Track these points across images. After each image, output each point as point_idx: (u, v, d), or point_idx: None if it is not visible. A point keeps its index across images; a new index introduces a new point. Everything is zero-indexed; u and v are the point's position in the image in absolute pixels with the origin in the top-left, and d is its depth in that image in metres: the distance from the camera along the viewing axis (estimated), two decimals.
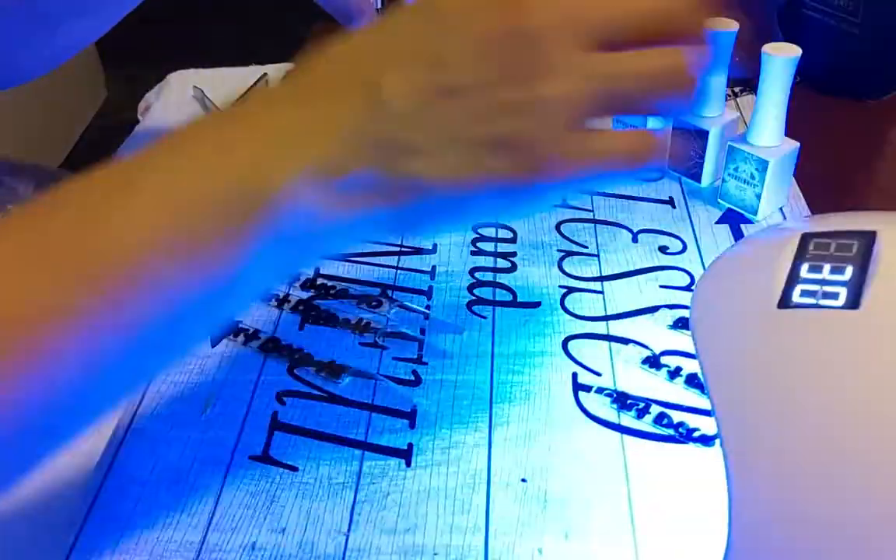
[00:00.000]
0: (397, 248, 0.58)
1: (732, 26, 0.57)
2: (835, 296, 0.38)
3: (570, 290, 0.54)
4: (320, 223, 0.32)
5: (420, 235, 0.42)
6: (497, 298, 0.53)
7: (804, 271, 0.40)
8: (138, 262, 0.30)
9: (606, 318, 0.51)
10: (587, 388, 0.47)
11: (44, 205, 0.32)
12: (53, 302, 0.29)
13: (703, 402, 0.45)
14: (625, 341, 0.49)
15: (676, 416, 0.44)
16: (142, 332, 0.31)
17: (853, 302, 0.37)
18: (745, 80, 0.77)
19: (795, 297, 0.39)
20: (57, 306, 0.29)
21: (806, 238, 0.42)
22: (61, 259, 0.30)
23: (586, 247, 0.57)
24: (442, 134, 0.31)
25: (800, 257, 0.41)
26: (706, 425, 0.44)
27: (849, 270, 0.38)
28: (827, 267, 0.39)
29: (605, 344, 0.49)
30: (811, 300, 0.38)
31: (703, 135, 0.61)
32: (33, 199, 0.36)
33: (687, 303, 0.52)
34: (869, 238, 0.40)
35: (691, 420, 0.44)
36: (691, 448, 0.43)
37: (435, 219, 0.34)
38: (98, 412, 0.33)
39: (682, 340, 0.49)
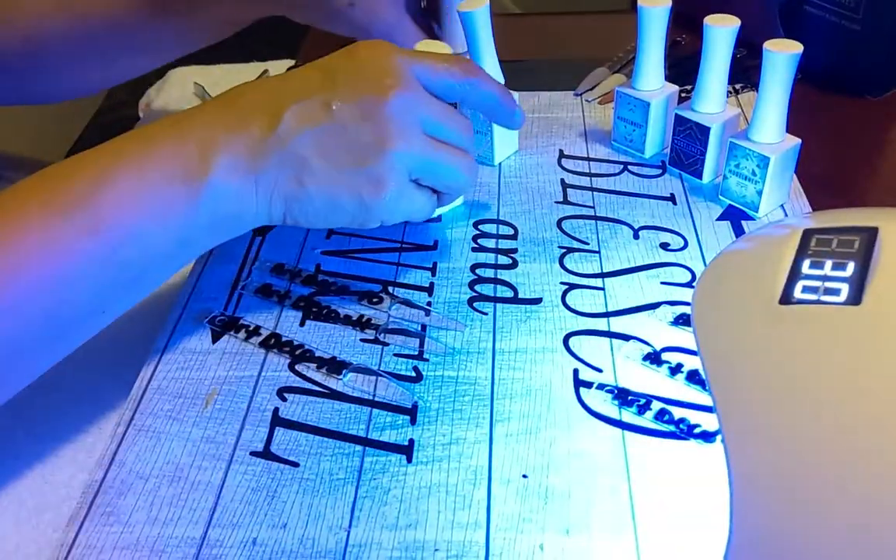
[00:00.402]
0: (398, 245, 0.58)
1: (734, 23, 0.57)
2: (837, 292, 0.38)
3: (572, 286, 0.54)
4: (241, 204, 0.47)
5: (311, 227, 0.51)
6: (498, 295, 0.53)
7: (806, 267, 0.40)
8: (108, 182, 0.43)
9: (607, 314, 0.51)
10: (588, 385, 0.47)
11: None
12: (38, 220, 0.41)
13: (704, 399, 0.45)
14: (626, 338, 0.49)
15: (677, 413, 0.44)
16: (106, 248, 0.42)
17: (855, 298, 0.37)
18: (747, 77, 0.76)
19: (797, 293, 0.39)
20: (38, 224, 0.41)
21: (808, 234, 0.42)
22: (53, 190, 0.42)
23: (587, 243, 0.57)
24: (320, 156, 0.47)
25: (801, 253, 0.41)
26: (707, 421, 0.44)
27: (851, 266, 0.39)
28: (829, 263, 0.39)
29: (606, 340, 0.49)
30: (813, 296, 0.38)
31: (704, 131, 0.60)
32: None
33: (688, 299, 0.52)
34: (871, 234, 0.40)
35: (692, 416, 0.44)
36: (692, 444, 0.43)
37: (313, 218, 0.49)
38: (66, 335, 0.44)
39: (684, 337, 0.49)
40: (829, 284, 0.38)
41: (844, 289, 0.37)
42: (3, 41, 0.62)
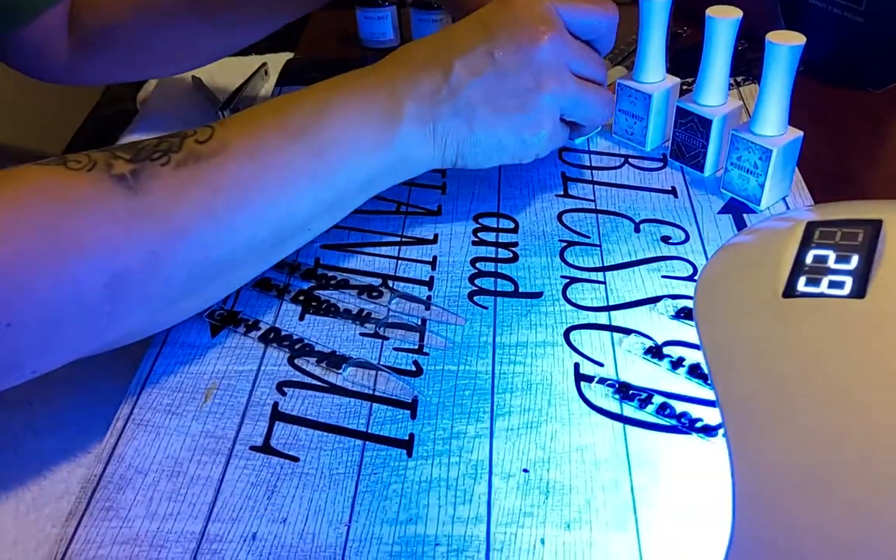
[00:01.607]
0: (398, 239, 0.58)
1: (736, 14, 0.57)
2: (840, 285, 0.37)
3: (572, 280, 0.53)
4: (421, 148, 0.53)
5: (476, 167, 0.56)
6: (498, 289, 0.53)
7: (809, 260, 0.40)
8: (328, 114, 0.49)
9: (608, 308, 0.51)
10: (589, 379, 0.46)
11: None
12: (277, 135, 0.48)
13: (705, 393, 0.45)
14: (627, 331, 0.49)
15: (679, 407, 0.44)
16: (325, 170, 0.49)
17: (859, 291, 0.37)
18: (748, 70, 0.76)
19: (800, 286, 0.39)
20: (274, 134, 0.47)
21: (811, 226, 0.42)
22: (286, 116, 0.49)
23: (588, 237, 0.57)
24: (486, 102, 0.53)
25: (805, 246, 0.41)
26: (709, 416, 0.43)
27: (854, 259, 0.38)
28: (832, 256, 0.39)
29: (607, 334, 0.49)
30: (816, 289, 0.38)
31: (705, 124, 0.60)
32: None
33: (689, 293, 0.51)
34: (875, 226, 0.39)
35: (694, 410, 0.44)
36: (694, 438, 0.43)
37: (480, 158, 0.55)
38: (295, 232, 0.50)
39: (685, 330, 0.49)
40: (832, 277, 0.38)
41: (848, 282, 0.37)
42: (115, 17, 0.66)
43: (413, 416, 0.45)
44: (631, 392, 0.45)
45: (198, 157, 0.44)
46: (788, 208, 0.59)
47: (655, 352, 0.47)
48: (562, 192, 0.62)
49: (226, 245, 0.45)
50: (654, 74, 0.64)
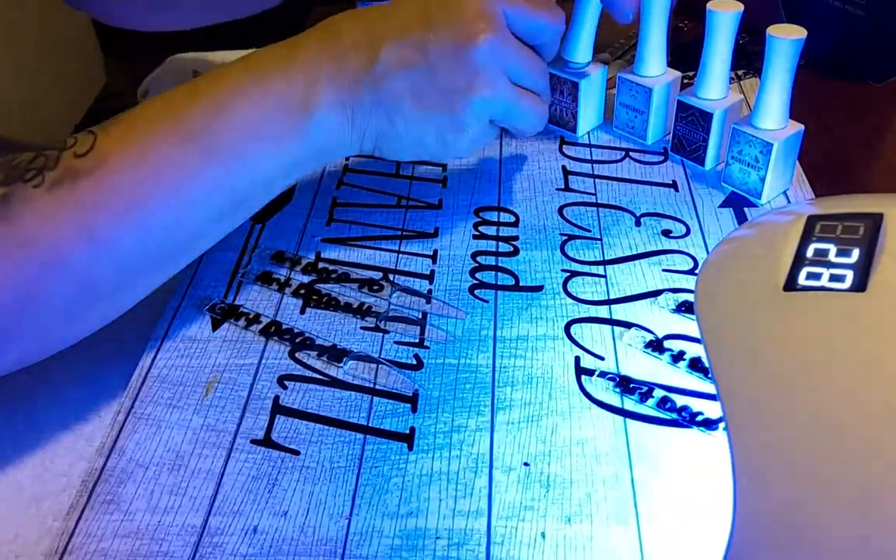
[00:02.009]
0: (399, 232, 0.58)
1: (737, 8, 0.57)
2: (841, 279, 0.37)
3: (573, 274, 0.53)
4: (339, 136, 0.50)
5: (395, 159, 0.57)
6: (499, 282, 0.53)
7: (810, 254, 0.40)
8: (226, 110, 0.46)
9: (609, 302, 0.51)
10: (590, 372, 0.46)
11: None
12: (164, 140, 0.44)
13: (706, 387, 0.45)
14: (628, 325, 0.49)
15: (680, 401, 0.44)
16: (220, 171, 0.45)
17: (860, 285, 0.37)
18: (749, 63, 0.76)
19: (801, 280, 0.39)
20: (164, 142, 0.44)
21: (812, 220, 0.42)
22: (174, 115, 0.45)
23: (589, 230, 0.57)
24: (412, 97, 0.50)
25: (806, 240, 0.41)
26: (710, 409, 0.44)
27: (855, 253, 0.38)
28: (833, 249, 0.39)
29: (607, 328, 0.49)
30: (817, 283, 0.38)
31: (706, 117, 0.60)
32: None
33: (690, 287, 0.51)
34: (876, 220, 0.39)
35: (695, 404, 0.44)
36: (695, 432, 0.43)
37: (399, 152, 0.53)
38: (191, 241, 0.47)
39: (686, 324, 0.49)
40: (833, 271, 0.38)
41: (849, 275, 0.37)
42: None
43: (414, 410, 0.45)
44: (631, 386, 0.45)
45: (75, 175, 0.41)
46: (789, 202, 0.59)
47: (656, 345, 0.47)
48: (562, 186, 0.62)
49: (109, 266, 0.43)
50: (654, 68, 0.64)
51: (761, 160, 0.57)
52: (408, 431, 0.44)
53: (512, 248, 0.56)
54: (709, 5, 0.57)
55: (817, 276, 0.38)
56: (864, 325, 0.36)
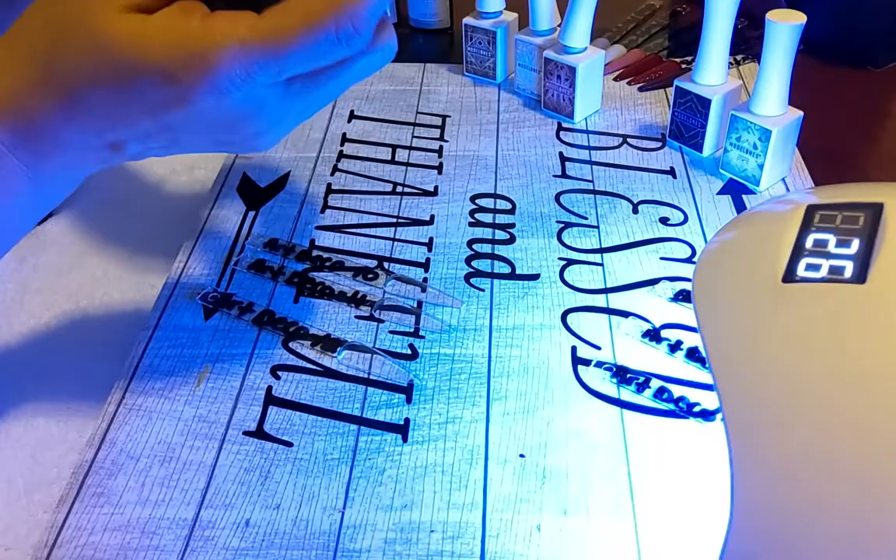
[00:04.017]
0: (394, 220, 0.57)
1: None
2: (841, 270, 0.37)
3: (570, 262, 0.53)
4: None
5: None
6: (495, 271, 0.52)
7: (809, 244, 0.39)
8: None
9: (606, 290, 0.50)
10: (586, 362, 0.46)
11: None
12: None
13: (703, 377, 0.44)
14: (625, 314, 0.49)
15: (677, 391, 0.44)
16: None
17: (860, 276, 0.36)
18: (748, 48, 0.75)
19: (800, 270, 0.38)
20: None
21: (811, 210, 0.41)
22: None
23: (586, 218, 0.56)
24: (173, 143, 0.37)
25: (805, 230, 0.40)
26: (707, 400, 0.43)
27: (855, 243, 0.38)
28: (833, 239, 0.38)
29: (604, 317, 0.49)
30: (816, 274, 0.37)
31: (705, 103, 0.59)
32: None
33: (688, 275, 0.51)
34: (876, 210, 0.39)
35: (692, 394, 0.44)
36: (692, 423, 0.42)
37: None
38: None
39: (683, 313, 0.48)
40: (833, 262, 0.37)
41: (849, 266, 0.37)
42: None
43: (408, 401, 0.44)
44: (629, 376, 0.45)
45: None
46: (788, 189, 0.58)
47: (653, 335, 0.47)
48: (560, 173, 0.61)
49: None
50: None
51: (760, 147, 0.56)
52: (402, 423, 0.43)
53: (508, 236, 0.55)
54: None
55: (816, 268, 0.38)
56: (864, 316, 0.35)
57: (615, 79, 0.72)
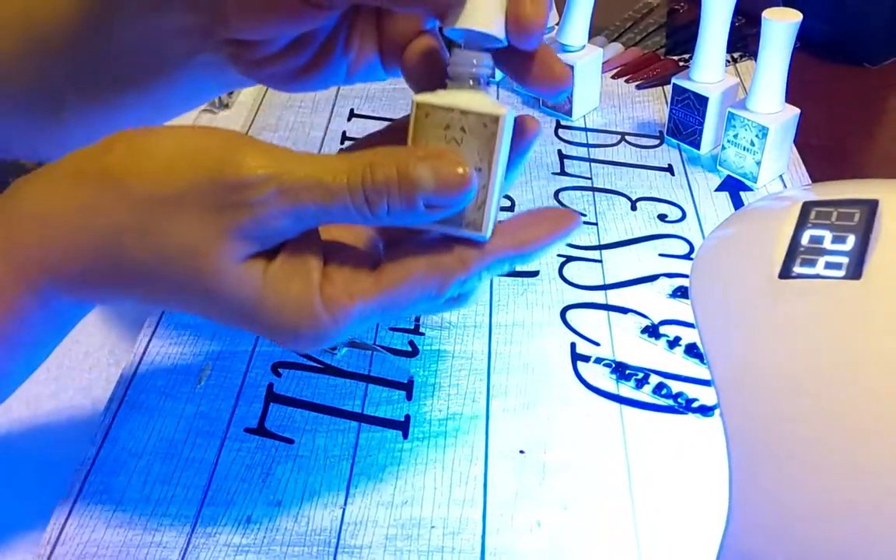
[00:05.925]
0: None
1: None
2: (837, 266, 0.37)
3: (569, 258, 0.53)
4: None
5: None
6: None
7: (805, 241, 0.39)
8: None
9: (605, 287, 0.51)
10: (586, 359, 0.46)
11: None
12: None
13: (702, 372, 0.45)
14: (623, 311, 0.49)
15: (675, 387, 0.44)
16: None
17: (855, 272, 0.37)
18: (745, 46, 0.76)
19: (796, 267, 0.38)
20: None
21: (807, 206, 0.41)
22: None
23: (584, 215, 0.57)
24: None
25: (801, 226, 0.40)
26: (705, 395, 0.43)
27: (851, 240, 0.38)
28: (829, 236, 0.39)
29: (603, 313, 0.49)
30: (812, 270, 0.38)
31: (702, 101, 0.60)
32: None
33: (686, 271, 0.51)
34: (871, 206, 0.39)
35: (690, 390, 0.44)
36: (690, 418, 0.43)
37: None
38: None
39: (682, 310, 0.49)
40: (829, 258, 0.38)
41: (845, 263, 0.37)
42: None
43: (409, 397, 0.45)
44: (628, 372, 0.45)
45: None
46: (785, 186, 0.59)
47: (652, 331, 0.47)
48: (558, 170, 0.61)
49: None
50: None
51: (757, 144, 0.56)
52: (403, 419, 0.44)
53: None
54: None
55: (812, 264, 0.38)
56: (859, 312, 0.36)
57: (613, 77, 0.73)
